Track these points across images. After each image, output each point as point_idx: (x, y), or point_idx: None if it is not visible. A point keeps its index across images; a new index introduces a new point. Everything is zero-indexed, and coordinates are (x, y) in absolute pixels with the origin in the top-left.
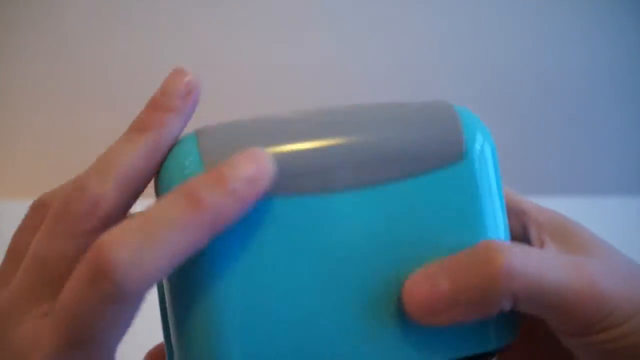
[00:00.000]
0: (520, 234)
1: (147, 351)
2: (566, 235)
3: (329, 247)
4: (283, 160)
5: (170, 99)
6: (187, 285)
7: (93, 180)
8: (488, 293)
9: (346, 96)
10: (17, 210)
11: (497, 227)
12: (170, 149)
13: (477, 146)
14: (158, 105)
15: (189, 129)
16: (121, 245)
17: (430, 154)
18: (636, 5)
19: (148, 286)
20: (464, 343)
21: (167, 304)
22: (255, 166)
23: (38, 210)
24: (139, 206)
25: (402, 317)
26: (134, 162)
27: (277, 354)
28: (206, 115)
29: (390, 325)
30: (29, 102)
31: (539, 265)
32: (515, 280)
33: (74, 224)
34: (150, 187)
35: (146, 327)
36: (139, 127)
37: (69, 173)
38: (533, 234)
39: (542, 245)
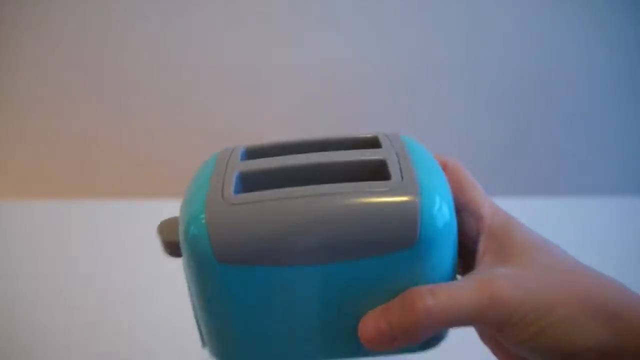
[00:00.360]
0: (475, 236)
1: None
2: (507, 245)
3: (313, 298)
4: (286, 239)
5: None
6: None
7: None
8: (415, 329)
9: (345, 97)
10: (17, 211)
11: (439, 280)
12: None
13: (430, 235)
14: None
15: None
16: None
17: (387, 246)
18: (636, 6)
19: None
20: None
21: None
22: None
23: None
24: (158, 206)
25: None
26: None
27: (267, 349)
28: (207, 114)
29: (349, 338)
30: (28, 103)
31: (451, 296)
32: (434, 315)
33: None
34: (159, 187)
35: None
36: None
37: (68, 173)
38: (481, 244)
39: (484, 255)
